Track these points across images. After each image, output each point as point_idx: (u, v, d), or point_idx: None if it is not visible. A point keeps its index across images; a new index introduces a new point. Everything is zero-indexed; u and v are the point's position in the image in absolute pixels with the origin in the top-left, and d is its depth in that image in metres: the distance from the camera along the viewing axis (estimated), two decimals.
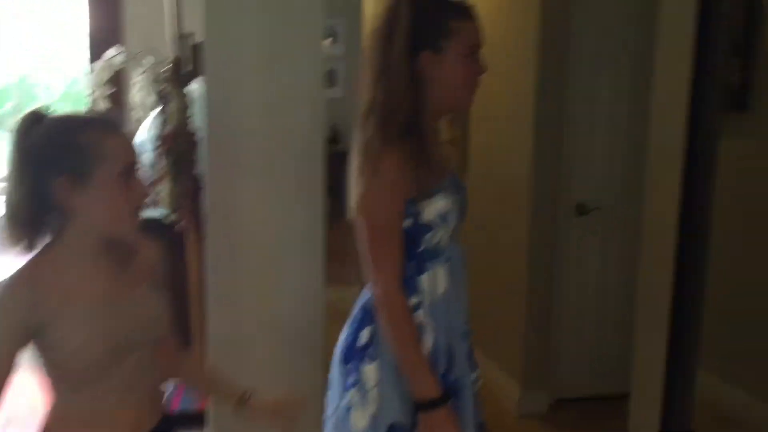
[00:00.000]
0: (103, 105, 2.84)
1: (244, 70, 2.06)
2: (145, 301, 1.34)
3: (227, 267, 2.14)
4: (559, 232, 3.33)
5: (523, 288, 3.35)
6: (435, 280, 1.66)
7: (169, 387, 1.93)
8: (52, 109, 1.29)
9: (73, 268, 1.28)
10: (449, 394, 1.62)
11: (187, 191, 2.30)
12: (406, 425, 1.63)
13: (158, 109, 2.40)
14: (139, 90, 2.73)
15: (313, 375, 2.18)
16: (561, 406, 3.43)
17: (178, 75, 2.32)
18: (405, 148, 1.56)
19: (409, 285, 1.63)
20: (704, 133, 2.37)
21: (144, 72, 2.67)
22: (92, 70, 2.97)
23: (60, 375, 1.28)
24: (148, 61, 2.64)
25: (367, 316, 1.67)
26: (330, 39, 8.30)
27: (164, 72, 2.32)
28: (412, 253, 1.63)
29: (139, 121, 2.84)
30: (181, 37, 2.37)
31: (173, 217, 2.35)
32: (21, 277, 1.24)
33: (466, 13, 1.61)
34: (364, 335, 1.66)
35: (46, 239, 1.28)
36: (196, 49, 2.33)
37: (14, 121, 1.27)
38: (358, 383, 1.65)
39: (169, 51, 2.42)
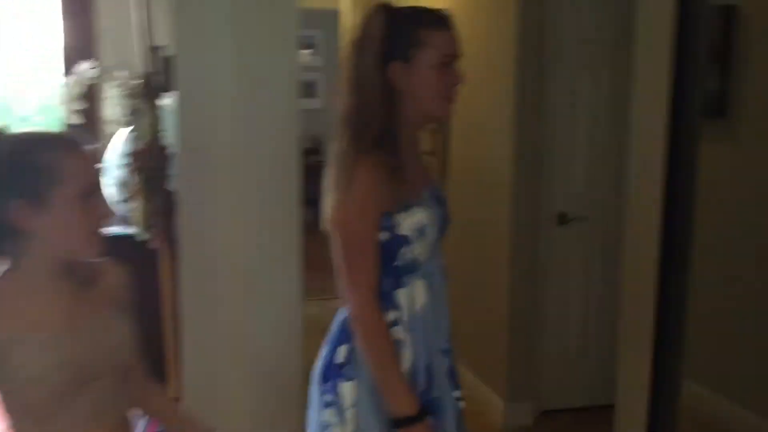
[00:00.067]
0: (75, 120, 2.78)
1: (217, 83, 2.02)
2: (108, 326, 1.29)
3: (202, 287, 2.09)
4: (541, 242, 3.32)
5: (505, 299, 3.32)
6: (413, 295, 1.63)
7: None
8: (8, 128, 1.24)
9: (32, 293, 1.23)
10: (427, 411, 1.59)
11: (160, 209, 2.24)
12: None
13: (130, 125, 2.34)
14: (112, 105, 2.68)
15: (290, 397, 2.13)
16: (546, 418, 3.41)
17: (150, 89, 2.27)
18: (380, 160, 1.54)
19: (386, 300, 1.61)
20: (685, 140, 2.36)
21: (117, 86, 2.62)
22: (64, 85, 2.92)
23: (19, 406, 1.22)
24: (121, 75, 2.60)
25: (344, 334, 1.65)
26: (309, 50, 8.31)
27: (135, 86, 2.27)
28: (390, 267, 1.60)
29: (113, 137, 2.79)
30: (153, 50, 2.32)
31: (145, 235, 2.30)
32: None
33: (440, 23, 1.59)
34: (341, 353, 1.64)
35: (3, 264, 1.23)
36: (168, 62, 2.28)
37: None
38: (335, 402, 1.63)
39: (140, 64, 2.38)
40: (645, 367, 2.56)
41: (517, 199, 3.24)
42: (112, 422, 1.31)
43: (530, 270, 3.31)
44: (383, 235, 1.58)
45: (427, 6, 1.65)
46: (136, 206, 2.25)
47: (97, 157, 1.27)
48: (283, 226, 2.12)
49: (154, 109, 2.25)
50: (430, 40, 1.56)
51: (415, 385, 1.62)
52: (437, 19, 1.59)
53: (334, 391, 1.63)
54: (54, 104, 3.07)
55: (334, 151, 1.60)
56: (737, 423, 3.07)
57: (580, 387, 3.45)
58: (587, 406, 3.39)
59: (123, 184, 2.30)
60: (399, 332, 1.61)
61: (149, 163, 2.20)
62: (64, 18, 3.50)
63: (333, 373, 1.64)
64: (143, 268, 2.42)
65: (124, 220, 2.37)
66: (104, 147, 2.86)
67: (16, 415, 1.24)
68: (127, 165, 2.28)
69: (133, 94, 2.30)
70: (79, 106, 2.78)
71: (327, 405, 1.64)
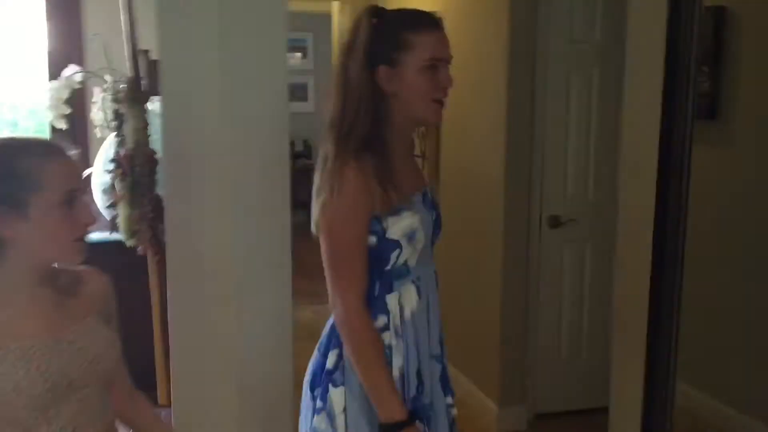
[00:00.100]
0: (62, 124, 2.75)
1: (204, 87, 1.98)
2: (90, 336, 1.26)
3: (190, 293, 2.06)
4: (533, 245, 3.30)
5: (498, 303, 3.31)
6: (403, 300, 1.62)
7: None
8: None
9: (11, 301, 1.20)
10: (416, 416, 1.58)
11: (147, 214, 2.21)
12: None
13: (115, 129, 2.31)
14: (99, 109, 2.65)
15: (280, 404, 2.11)
16: (540, 422, 3.39)
17: (135, 93, 2.24)
18: (367, 164, 1.53)
19: (376, 305, 1.60)
20: (678, 142, 2.35)
21: (104, 90, 2.59)
22: (51, 89, 2.88)
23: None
24: (108, 79, 2.56)
25: (333, 339, 1.64)
26: (300, 53, 8.30)
27: (120, 90, 2.24)
28: (379, 271, 1.59)
29: (101, 142, 2.76)
30: (138, 54, 2.29)
31: (132, 241, 2.26)
32: None
33: (426, 25, 1.57)
34: (331, 359, 1.63)
35: None
36: (154, 65, 2.25)
37: None
38: (325, 408, 1.62)
39: (120, 67, 2.35)
40: (639, 369, 2.55)
41: (509, 202, 3.23)
42: None
43: (522, 273, 3.30)
44: (372, 240, 1.57)
45: (417, 8, 1.63)
46: (122, 212, 2.21)
47: (80, 162, 1.23)
48: (272, 231, 2.09)
49: (140, 113, 2.22)
50: (415, 43, 1.54)
51: (406, 391, 1.61)
52: (423, 22, 1.57)
53: (325, 397, 1.62)
54: (41, 109, 3.03)
55: (321, 155, 1.59)
56: (731, 425, 3.06)
57: (573, 390, 3.43)
58: (581, 409, 3.37)
59: (108, 190, 2.27)
60: (389, 337, 1.60)
61: (135, 168, 2.17)
62: (50, 21, 3.47)
63: (323, 379, 1.64)
64: (130, 275, 2.39)
65: (111, 226, 2.34)
66: (92, 152, 2.82)
67: None
68: (113, 170, 2.24)
69: (118, 99, 2.27)
70: (66, 110, 2.74)
71: (317, 411, 1.63)
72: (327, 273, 1.57)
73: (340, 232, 1.55)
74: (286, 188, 2.09)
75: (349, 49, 1.58)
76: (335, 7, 4.91)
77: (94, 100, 2.71)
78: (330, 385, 1.61)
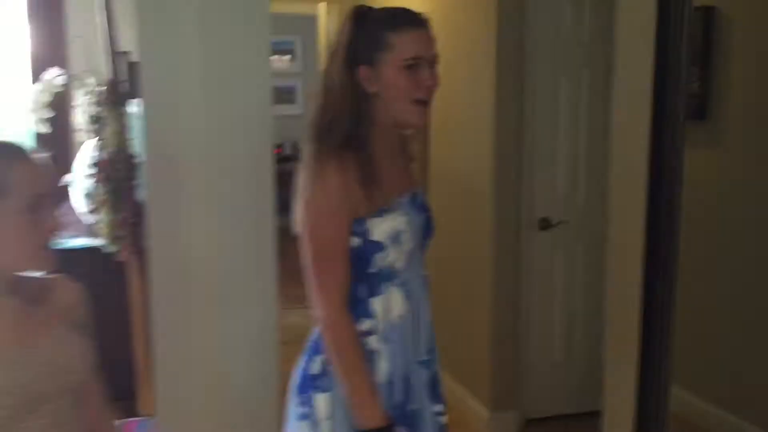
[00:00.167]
0: (43, 128, 2.70)
1: (185, 89, 1.94)
2: (59, 346, 1.21)
3: (173, 300, 2.02)
4: (523, 248, 3.28)
5: (488, 306, 3.28)
6: (389, 304, 1.59)
7: None
8: None
9: None
10: (395, 423, 1.56)
11: (128, 220, 2.17)
12: None
13: (95, 133, 2.26)
14: (81, 113, 2.60)
15: (266, 411, 2.07)
16: (531, 426, 3.36)
17: (114, 95, 2.19)
18: (348, 163, 1.51)
19: (361, 308, 1.57)
20: (669, 143, 2.33)
21: (86, 94, 2.54)
22: (33, 92, 2.83)
23: None
24: (91, 81, 2.52)
25: (320, 344, 1.61)
26: (288, 57, 8.25)
27: (99, 93, 2.19)
28: (364, 274, 1.57)
29: (83, 146, 2.71)
30: (118, 55, 2.25)
31: (113, 248, 2.21)
32: None
33: (408, 25, 1.55)
34: (316, 364, 1.61)
35: None
36: (134, 67, 2.21)
37: None
38: (310, 414, 1.60)
39: (102, 69, 2.30)
40: (632, 372, 2.52)
41: (498, 205, 3.20)
42: None
43: (513, 276, 3.27)
44: (355, 241, 1.54)
45: (402, 7, 1.60)
46: (102, 217, 2.16)
47: (46, 166, 1.19)
48: (257, 235, 2.05)
49: (120, 116, 2.18)
50: (394, 43, 1.52)
51: (391, 397, 1.58)
52: (404, 20, 1.55)
53: (310, 403, 1.60)
54: (23, 112, 2.98)
55: (303, 155, 1.58)
56: (726, 429, 3.04)
57: (565, 394, 3.40)
58: (573, 413, 3.34)
59: (88, 195, 2.22)
60: (374, 342, 1.58)
61: (115, 173, 2.13)
62: (32, 23, 3.42)
63: (308, 384, 1.62)
64: (111, 282, 2.35)
65: (91, 232, 2.29)
66: (74, 156, 2.77)
67: None
68: (93, 174, 2.20)
69: (98, 102, 2.22)
70: (48, 114, 2.69)
71: (302, 417, 1.61)
72: (309, 274, 1.56)
73: (321, 232, 1.53)
74: (270, 191, 2.05)
75: (333, 49, 1.58)
76: (322, 9, 4.87)
77: (76, 103, 2.66)
78: (315, 391, 1.59)
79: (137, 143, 2.20)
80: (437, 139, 3.68)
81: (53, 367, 1.19)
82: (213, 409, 2.07)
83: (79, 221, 2.68)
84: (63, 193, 2.93)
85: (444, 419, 1.73)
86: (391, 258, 1.57)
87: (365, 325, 1.57)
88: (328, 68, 1.58)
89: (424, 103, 1.56)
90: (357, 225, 1.54)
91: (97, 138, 2.25)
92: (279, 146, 6.99)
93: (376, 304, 1.58)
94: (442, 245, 3.27)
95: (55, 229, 1.16)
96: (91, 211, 2.20)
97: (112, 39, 2.23)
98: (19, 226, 1.12)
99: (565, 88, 3.25)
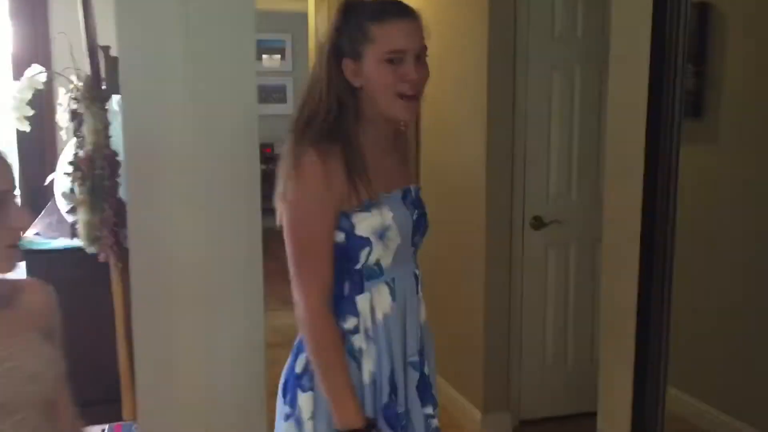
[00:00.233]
0: (25, 127, 2.63)
1: (167, 84, 1.88)
2: (26, 353, 1.15)
3: (156, 302, 1.96)
4: (516, 247, 3.24)
5: (481, 306, 3.25)
6: (375, 302, 1.56)
7: None
8: None
9: None
10: (375, 425, 1.53)
11: (108, 220, 2.11)
12: None
13: (75, 131, 2.20)
14: (64, 111, 2.54)
15: (253, 414, 2.02)
16: (524, 428, 3.34)
17: (93, 92, 2.13)
18: (331, 157, 1.48)
19: (346, 305, 1.54)
20: (665, 141, 2.30)
21: (69, 91, 2.47)
22: (14, 90, 2.76)
23: None
24: (74, 79, 2.46)
25: (303, 343, 1.58)
26: (279, 56, 8.19)
27: (78, 90, 2.13)
28: (348, 270, 1.54)
29: (67, 144, 2.65)
30: (97, 50, 2.19)
31: (93, 248, 2.15)
32: None
33: (392, 17, 1.50)
34: (300, 363, 1.59)
35: None
36: (114, 62, 2.15)
37: None
38: (293, 414, 1.58)
39: (84, 66, 2.24)
40: (628, 372, 2.50)
41: (491, 204, 3.17)
42: None
43: (506, 276, 3.24)
44: (339, 236, 1.51)
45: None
46: (82, 217, 2.10)
47: (9, 163, 1.13)
48: (242, 234, 2.00)
49: (99, 112, 2.11)
50: (376, 35, 1.49)
51: (376, 399, 1.55)
52: (388, 13, 1.50)
53: (294, 403, 1.58)
54: (4, 111, 2.91)
55: (282, 149, 1.56)
56: (722, 430, 3.02)
57: (558, 395, 3.37)
58: (566, 414, 3.32)
59: (66, 194, 2.16)
60: (359, 341, 1.54)
61: (95, 171, 2.07)
62: (14, 21, 3.36)
63: (292, 383, 1.59)
64: (94, 284, 2.29)
65: (71, 232, 2.23)
66: (57, 155, 2.71)
67: None
68: (72, 173, 2.13)
69: (76, 98, 2.16)
70: (29, 112, 2.62)
71: (287, 417, 1.59)
72: (290, 269, 1.52)
73: (304, 227, 1.49)
74: (257, 192, 2.00)
75: (322, 42, 1.56)
76: (311, 6, 4.82)
77: (59, 101, 2.60)
78: (299, 390, 1.57)
79: (117, 141, 2.14)
80: (428, 136, 3.64)
81: (19, 375, 1.12)
82: (198, 413, 2.01)
83: (62, 221, 2.61)
84: (47, 193, 2.87)
85: (436, 422, 1.70)
86: (378, 254, 1.53)
87: (350, 323, 1.54)
88: (316, 61, 1.57)
89: (410, 97, 1.51)
90: (342, 219, 1.50)
91: (76, 135, 2.19)
92: (269, 146, 6.93)
93: (362, 301, 1.54)
94: (433, 244, 3.24)
95: (20, 228, 1.10)
96: (70, 211, 2.14)
97: (89, 32, 2.17)
98: None
99: (558, 85, 3.21)
